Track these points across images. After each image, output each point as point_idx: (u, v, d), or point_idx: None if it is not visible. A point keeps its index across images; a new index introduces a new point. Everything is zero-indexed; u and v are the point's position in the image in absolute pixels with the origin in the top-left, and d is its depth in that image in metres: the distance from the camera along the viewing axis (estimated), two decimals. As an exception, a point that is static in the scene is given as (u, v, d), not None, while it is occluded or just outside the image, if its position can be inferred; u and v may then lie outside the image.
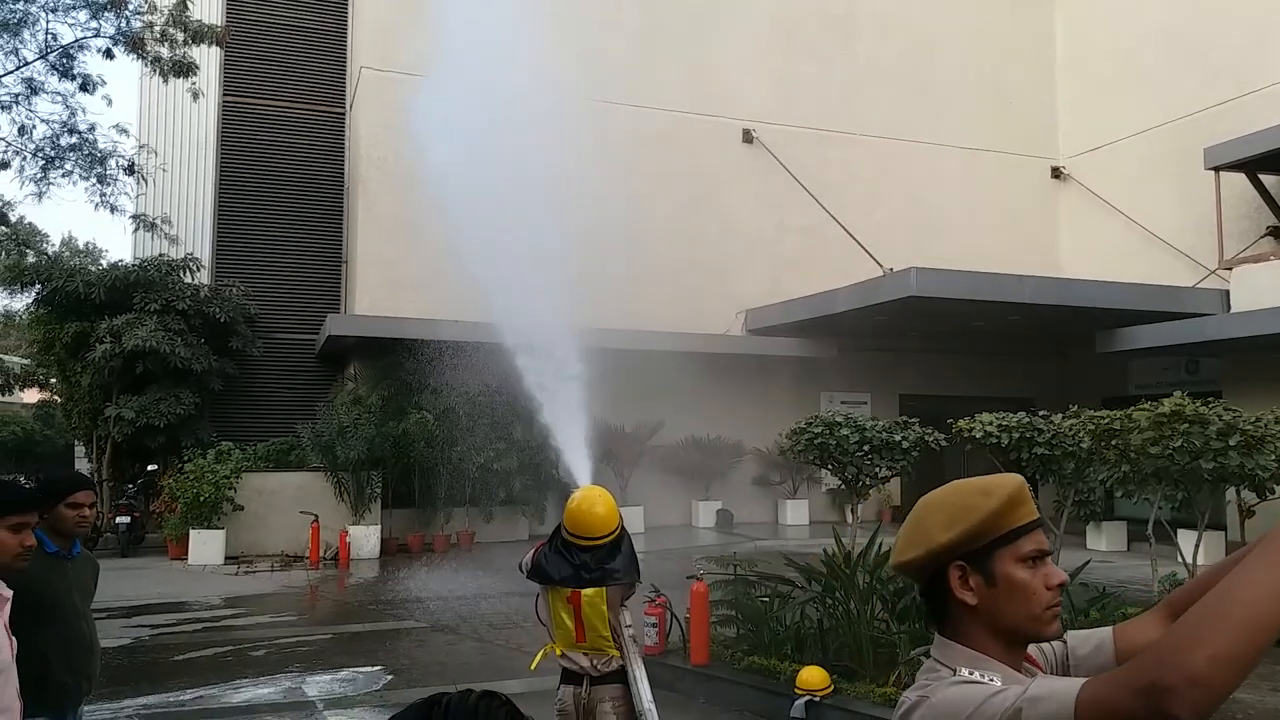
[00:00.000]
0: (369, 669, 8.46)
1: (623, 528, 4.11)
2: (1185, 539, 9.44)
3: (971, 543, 1.56)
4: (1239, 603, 1.19)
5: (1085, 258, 20.73)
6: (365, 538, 15.92)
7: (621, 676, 4.02)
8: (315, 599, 12.78)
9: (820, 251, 19.16)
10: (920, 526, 1.63)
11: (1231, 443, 6.84)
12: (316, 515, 15.49)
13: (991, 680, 1.48)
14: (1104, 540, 15.80)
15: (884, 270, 16.12)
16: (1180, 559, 8.09)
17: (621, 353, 13.29)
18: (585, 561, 3.98)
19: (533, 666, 4.33)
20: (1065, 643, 1.76)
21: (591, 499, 4.03)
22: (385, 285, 17.80)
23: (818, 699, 6.77)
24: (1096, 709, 1.26)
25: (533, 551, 4.17)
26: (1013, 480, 1.62)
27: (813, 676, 6.87)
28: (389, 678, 8.21)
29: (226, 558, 15.13)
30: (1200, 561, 9.05)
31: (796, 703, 6.78)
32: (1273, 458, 7.05)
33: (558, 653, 4.12)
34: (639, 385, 15.88)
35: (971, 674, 1.51)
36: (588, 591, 3.95)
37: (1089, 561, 8.17)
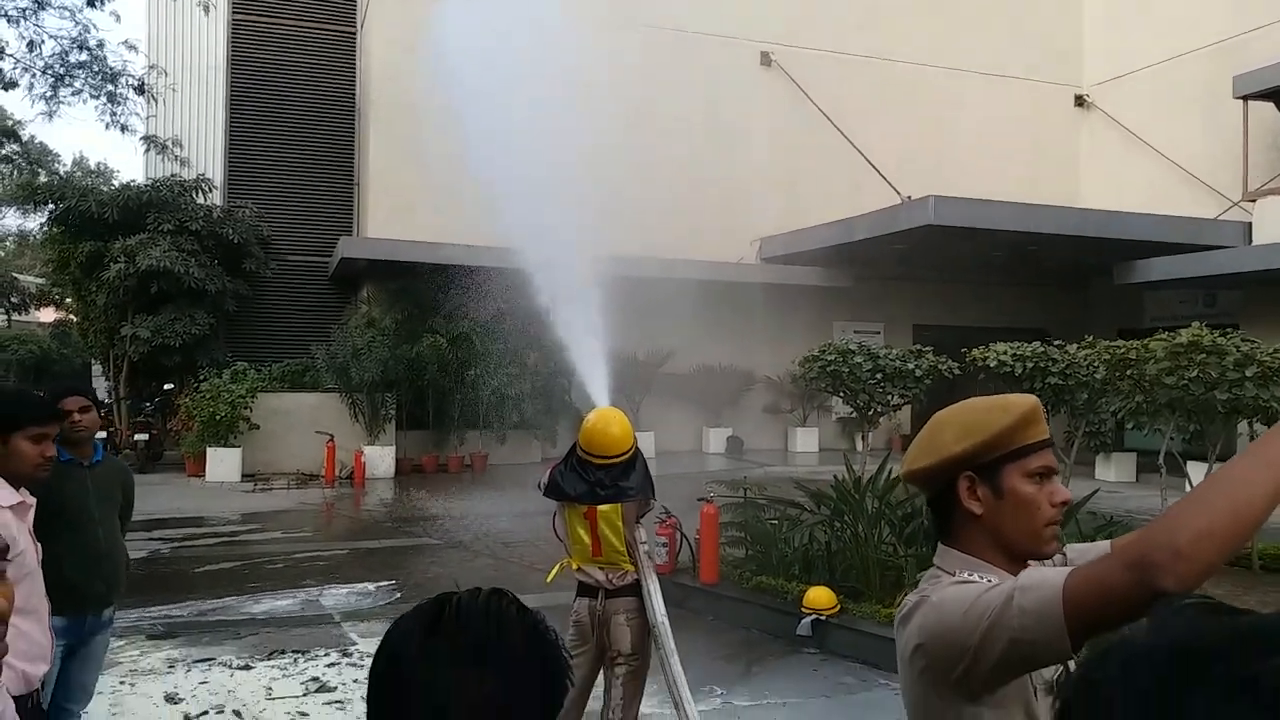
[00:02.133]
0: (384, 583, 8.64)
1: (637, 448, 4.15)
2: (1195, 470, 9.47)
3: (983, 455, 1.61)
4: (1226, 488, 1.25)
5: (1106, 188, 20.40)
6: (380, 458, 16.13)
7: (636, 590, 4.10)
8: (331, 516, 13.00)
9: (837, 180, 18.92)
10: (935, 437, 1.67)
11: (1248, 374, 6.81)
12: (332, 435, 15.66)
13: (985, 578, 1.54)
14: (1113, 471, 15.87)
15: (902, 199, 15.93)
16: (1190, 489, 8.13)
17: (634, 279, 13.24)
18: (600, 479, 4.03)
19: (549, 580, 4.41)
20: (1065, 555, 1.80)
21: (607, 419, 4.07)
22: (397, 208, 17.71)
23: (824, 618, 6.90)
24: (1086, 587, 1.30)
25: (549, 470, 4.22)
26: (1028, 399, 1.67)
27: (819, 596, 6.99)
28: (404, 591, 8.39)
29: (243, 475, 15.36)
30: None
31: (803, 621, 6.92)
32: (1288, 389, 7.03)
33: (574, 567, 4.20)
34: (652, 312, 15.86)
35: (970, 576, 1.56)
36: (603, 508, 4.01)
37: (1097, 490, 8.22)
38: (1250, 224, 15.63)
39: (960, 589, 1.51)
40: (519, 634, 1.03)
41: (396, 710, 1.00)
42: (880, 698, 6.08)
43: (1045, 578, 1.38)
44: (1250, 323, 14.92)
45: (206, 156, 20.61)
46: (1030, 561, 1.66)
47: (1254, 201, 15.83)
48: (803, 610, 6.98)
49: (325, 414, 16.35)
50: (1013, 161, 20.64)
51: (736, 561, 8.10)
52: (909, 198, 15.62)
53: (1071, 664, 1.45)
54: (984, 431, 1.61)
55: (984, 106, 21.18)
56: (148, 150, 18.23)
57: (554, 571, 4.35)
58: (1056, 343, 8.91)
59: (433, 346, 16.51)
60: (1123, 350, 7.61)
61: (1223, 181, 17.16)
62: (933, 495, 1.70)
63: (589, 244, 9.15)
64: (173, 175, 18.18)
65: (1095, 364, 7.96)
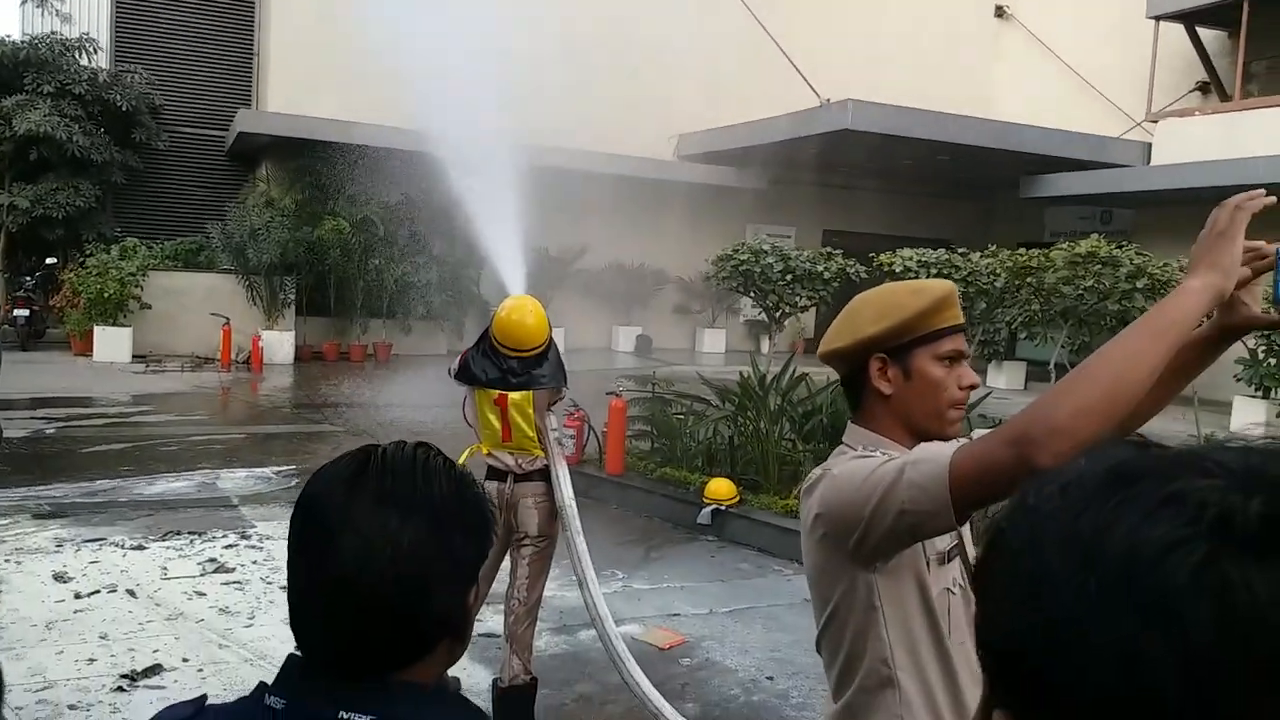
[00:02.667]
0: (284, 468, 8.51)
1: (550, 338, 4.10)
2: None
3: (896, 337, 1.63)
4: (1104, 364, 1.28)
5: (1019, 102, 20.64)
6: (279, 343, 15.71)
7: (544, 475, 4.10)
8: (227, 400, 12.68)
9: (758, 80, 18.68)
10: (851, 319, 1.70)
11: (1139, 285, 7.09)
12: (228, 318, 15.16)
13: (886, 453, 1.56)
14: (1004, 379, 16.47)
15: (821, 101, 15.86)
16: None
17: (549, 170, 12.99)
18: (513, 366, 3.97)
19: (459, 464, 4.38)
20: (969, 438, 1.84)
21: (523, 310, 3.98)
22: (300, 83, 16.86)
23: (724, 508, 7.08)
24: (970, 462, 1.34)
25: (460, 355, 4.15)
26: (943, 285, 1.70)
27: (720, 488, 7.16)
28: (304, 476, 8.27)
29: (134, 356, 14.80)
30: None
31: (704, 510, 7.09)
32: (1172, 303, 7.36)
33: (484, 452, 4.17)
34: (565, 206, 15.62)
35: (871, 451, 1.60)
36: (515, 395, 3.97)
37: (989, 394, 8.55)
38: (1151, 144, 16.10)
39: (858, 463, 1.54)
40: (445, 484, 1.02)
41: (319, 559, 0.98)
42: (773, 583, 6.31)
43: (934, 453, 1.42)
44: (1141, 240, 15.47)
45: (90, 14, 19.14)
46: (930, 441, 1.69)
47: (1156, 122, 16.29)
48: (704, 500, 7.15)
49: (221, 296, 15.79)
50: (930, 70, 20.68)
51: (642, 454, 8.21)
52: (828, 101, 15.57)
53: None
54: (898, 314, 1.63)
55: (907, 11, 21.07)
56: (24, 2, 16.83)
57: (464, 456, 4.31)
58: (960, 250, 9.11)
59: (335, 230, 16.00)
60: (1024, 258, 7.84)
61: (1129, 101, 17.55)
62: (846, 374, 1.73)
63: (504, 131, 8.88)
64: (53, 33, 16.87)
65: (997, 272, 8.18)
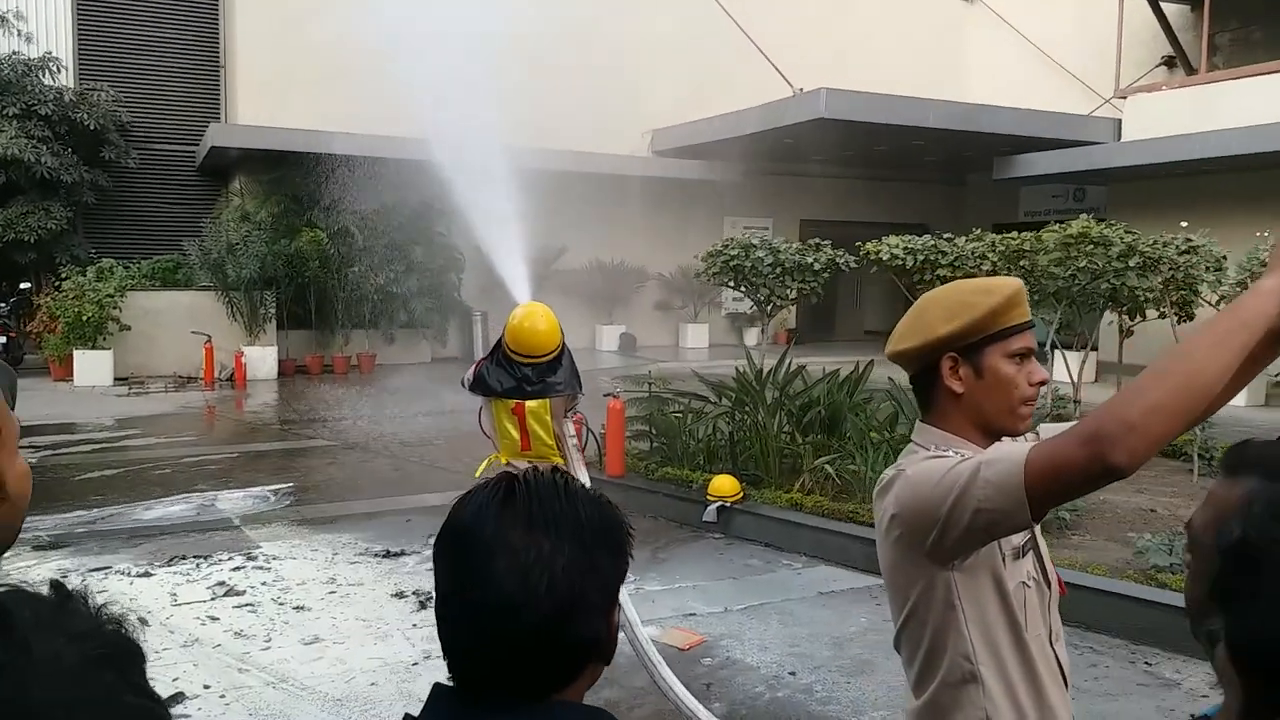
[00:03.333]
0: (281, 485, 8.44)
1: (564, 343, 4.08)
2: (1070, 358, 9.98)
3: (967, 336, 1.65)
4: (1177, 362, 1.30)
5: (989, 83, 20.79)
6: (262, 359, 15.57)
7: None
8: (214, 419, 12.55)
9: (729, 71, 18.69)
10: (922, 318, 1.71)
11: (1131, 263, 7.16)
12: (209, 335, 15.01)
13: (959, 453, 1.59)
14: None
15: (794, 91, 15.90)
16: (1069, 377, 8.61)
17: (527, 171, 12.94)
18: (527, 375, 3.96)
19: (477, 474, 4.36)
20: (1038, 434, 1.85)
21: (534, 317, 3.97)
22: (269, 93, 16.70)
23: (728, 505, 7.10)
24: (1045, 460, 1.36)
25: (474, 366, 4.12)
26: (1012, 283, 1.71)
27: (724, 484, 7.17)
28: (304, 494, 8.22)
29: (115, 378, 14.61)
30: (1086, 379, 9.71)
31: (709, 508, 7.10)
32: (1159, 280, 7.44)
33: (503, 461, 4.15)
34: (543, 207, 15.56)
35: (944, 451, 1.62)
36: (532, 403, 3.95)
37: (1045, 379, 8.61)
38: (1120, 120, 16.26)
39: (933, 463, 1.56)
40: (589, 506, 1.04)
41: (476, 587, 0.99)
42: (784, 577, 6.34)
43: (1009, 452, 1.44)
44: (1114, 215, 15.64)
45: (53, 33, 18.85)
46: (1004, 438, 1.71)
47: (1125, 98, 16.44)
48: (708, 498, 7.16)
49: (201, 313, 15.62)
50: (901, 55, 20.75)
51: (642, 454, 8.21)
52: (800, 90, 15.60)
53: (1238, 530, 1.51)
54: (969, 314, 1.65)
55: (873, -1, 21.15)
56: (-17, 25, 16.51)
57: (482, 466, 4.30)
58: (946, 235, 9.15)
59: (313, 241, 15.87)
60: (1017, 242, 7.89)
61: (1097, 78, 17.70)
62: (915, 374, 1.74)
63: (483, 134, 8.82)
64: (14, 53, 16.60)
65: (986, 255, 8.24)
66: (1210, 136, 14.05)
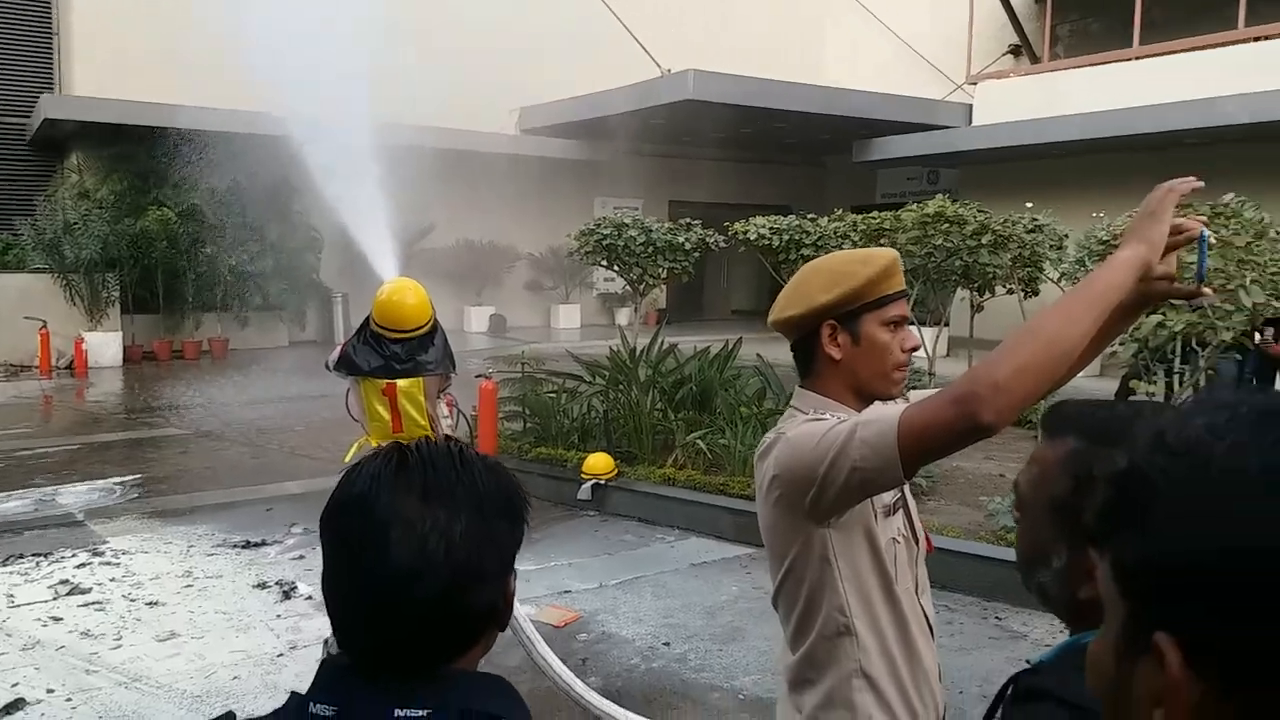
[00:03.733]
0: (129, 477, 7.97)
1: (436, 320, 3.97)
2: (918, 334, 10.43)
3: (846, 305, 1.71)
4: (1043, 327, 1.38)
5: (849, 68, 21.39)
6: (104, 345, 14.67)
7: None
8: (52, 410, 11.77)
9: (599, 50, 18.61)
10: (803, 287, 1.76)
11: (984, 241, 7.50)
12: (45, 321, 14.04)
13: (836, 415, 1.64)
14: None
15: (662, 72, 15.96)
16: (924, 351, 8.96)
17: (391, 148, 12.57)
18: (396, 353, 3.83)
19: (347, 459, 4.20)
20: (908, 399, 1.91)
21: (402, 290, 3.85)
22: (110, 64, 15.68)
23: (603, 482, 7.10)
24: (918, 420, 1.43)
25: (339, 346, 3.97)
26: (888, 253, 1.78)
27: (598, 462, 7.17)
28: (154, 485, 7.79)
29: (-61, 369, 13.53)
30: (939, 353, 10.14)
31: (584, 486, 7.09)
32: (1010, 255, 7.83)
33: (374, 444, 4.02)
34: (409, 183, 15.18)
35: (822, 414, 1.67)
36: (403, 383, 3.83)
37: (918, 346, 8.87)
38: (972, 105, 16.99)
39: (812, 425, 1.61)
40: (485, 473, 1.01)
41: (370, 559, 0.95)
42: (657, 551, 6.39)
43: (884, 413, 1.49)
44: (966, 197, 16.36)
45: None
46: (877, 401, 1.77)
47: (975, 84, 17.18)
48: (582, 476, 7.14)
49: (36, 297, 14.58)
50: (767, 40, 21.13)
51: (515, 435, 8.12)
52: (669, 71, 15.68)
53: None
54: (849, 282, 1.70)
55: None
56: None
57: (352, 450, 4.15)
58: (810, 216, 9.37)
59: (160, 220, 15.02)
60: (877, 221, 8.15)
61: (950, 64, 18.42)
62: (796, 340, 1.79)
63: (344, 109, 8.50)
64: None
65: (848, 235, 8.47)
66: (1052, 122, 14.84)
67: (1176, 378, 7.81)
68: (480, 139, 17.22)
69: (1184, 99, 13.28)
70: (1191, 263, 1.53)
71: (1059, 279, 8.95)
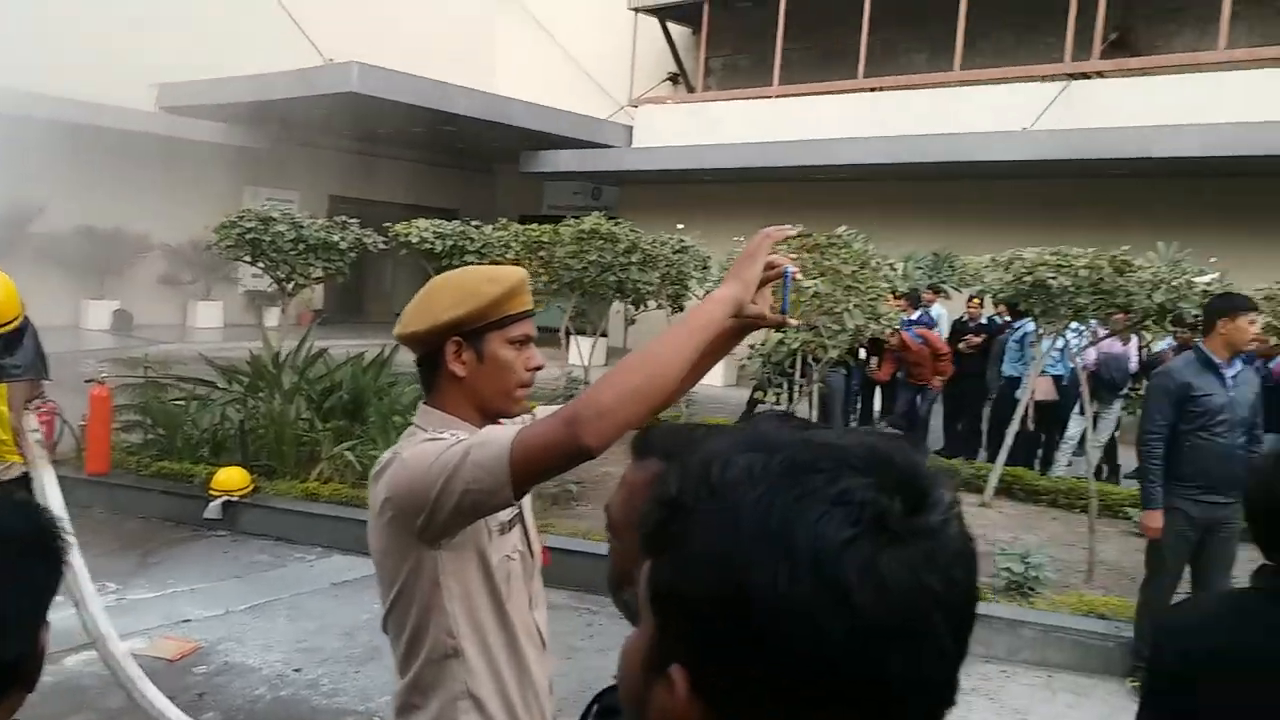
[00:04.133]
0: None
1: (26, 318, 3.44)
2: (581, 343, 10.77)
3: (471, 322, 1.71)
4: (645, 357, 1.45)
5: (519, 79, 21.64)
6: None
7: (26, 484, 3.48)
8: None
9: (254, 29, 17.36)
10: (428, 303, 1.75)
11: (634, 259, 7.86)
12: None
13: (455, 435, 1.62)
14: (512, 345, 17.34)
15: (324, 60, 15.21)
16: (580, 360, 9.23)
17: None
18: (-26, 355, 3.27)
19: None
20: (534, 415, 1.93)
21: (-16, 282, 3.29)
22: None
23: (236, 499, 6.59)
24: (529, 442, 1.46)
25: None
26: (516, 273, 1.79)
27: (231, 477, 6.65)
28: None
29: None
30: (597, 362, 10.49)
31: (211, 504, 6.55)
32: (658, 274, 8.26)
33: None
34: (17, 158, 13.29)
35: (441, 433, 1.65)
36: (-18, 391, 3.27)
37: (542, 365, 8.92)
38: (633, 128, 17.83)
39: (428, 446, 1.59)
40: (15, 511, 0.92)
41: None
42: (295, 571, 6.04)
43: (498, 435, 1.50)
44: (626, 214, 17.17)
45: None
46: (502, 420, 1.77)
47: (636, 107, 18.06)
48: (210, 493, 6.59)
49: None
50: (437, 39, 20.79)
51: (133, 448, 7.33)
52: (331, 60, 14.99)
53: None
54: (475, 301, 1.70)
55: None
56: None
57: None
58: (474, 223, 9.34)
59: None
60: (536, 233, 8.27)
61: (615, 85, 19.17)
62: (421, 356, 1.78)
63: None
64: None
65: (510, 244, 8.53)
66: (704, 149, 15.94)
67: (797, 388, 8.64)
68: (109, 114, 15.43)
69: (814, 137, 14.80)
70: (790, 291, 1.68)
71: (704, 296, 9.59)
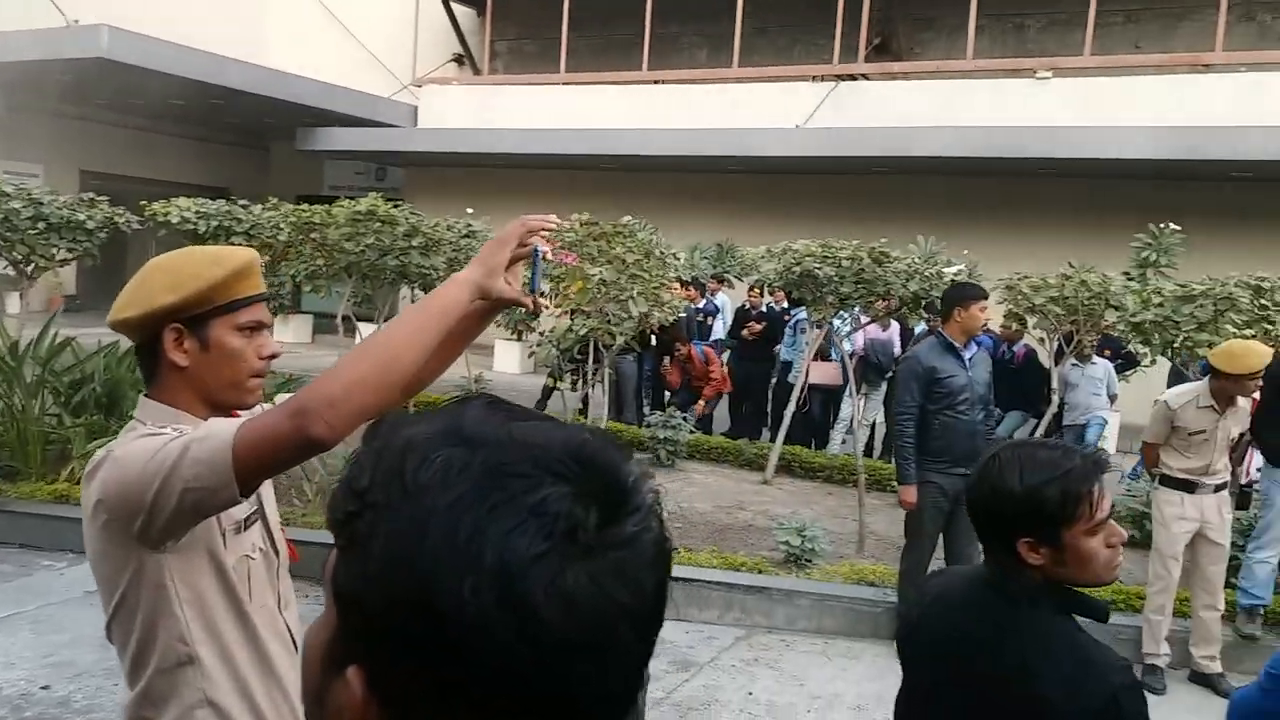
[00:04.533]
0: None
1: None
2: (366, 329, 10.39)
3: (192, 308, 1.60)
4: (379, 343, 1.40)
5: (294, 52, 20.53)
6: None
7: None
8: None
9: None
10: (144, 287, 1.63)
11: (415, 243, 7.66)
12: None
13: (177, 429, 1.53)
14: (291, 333, 16.57)
15: (69, 22, 13.86)
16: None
17: None
18: None
19: None
20: (273, 404, 1.85)
21: None
22: None
23: (-30, 505, 5.94)
24: (253, 436, 1.37)
25: None
26: (244, 254, 1.68)
27: (-36, 481, 5.99)
28: None
29: None
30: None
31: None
32: (443, 259, 8.09)
33: None
34: None
35: (161, 428, 1.55)
36: None
37: (280, 350, 8.47)
38: (417, 108, 17.36)
39: (143, 443, 1.49)
40: None
41: None
42: (42, 580, 5.54)
43: (220, 429, 1.42)
44: (411, 197, 16.72)
45: None
46: (237, 412, 1.68)
47: (420, 87, 17.60)
48: (-61, 499, 5.91)
49: None
50: (200, 6, 19.38)
51: None
52: (75, 22, 13.68)
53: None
54: (195, 284, 1.60)
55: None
56: None
57: None
58: (242, 203, 8.82)
59: None
60: (308, 214, 7.90)
61: (399, 64, 18.55)
62: (140, 344, 1.66)
63: None
64: None
65: (280, 226, 8.12)
66: (490, 133, 15.75)
67: (589, 373, 8.73)
68: None
69: (600, 127, 14.94)
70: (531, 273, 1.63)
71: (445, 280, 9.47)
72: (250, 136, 19.80)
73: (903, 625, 1.92)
